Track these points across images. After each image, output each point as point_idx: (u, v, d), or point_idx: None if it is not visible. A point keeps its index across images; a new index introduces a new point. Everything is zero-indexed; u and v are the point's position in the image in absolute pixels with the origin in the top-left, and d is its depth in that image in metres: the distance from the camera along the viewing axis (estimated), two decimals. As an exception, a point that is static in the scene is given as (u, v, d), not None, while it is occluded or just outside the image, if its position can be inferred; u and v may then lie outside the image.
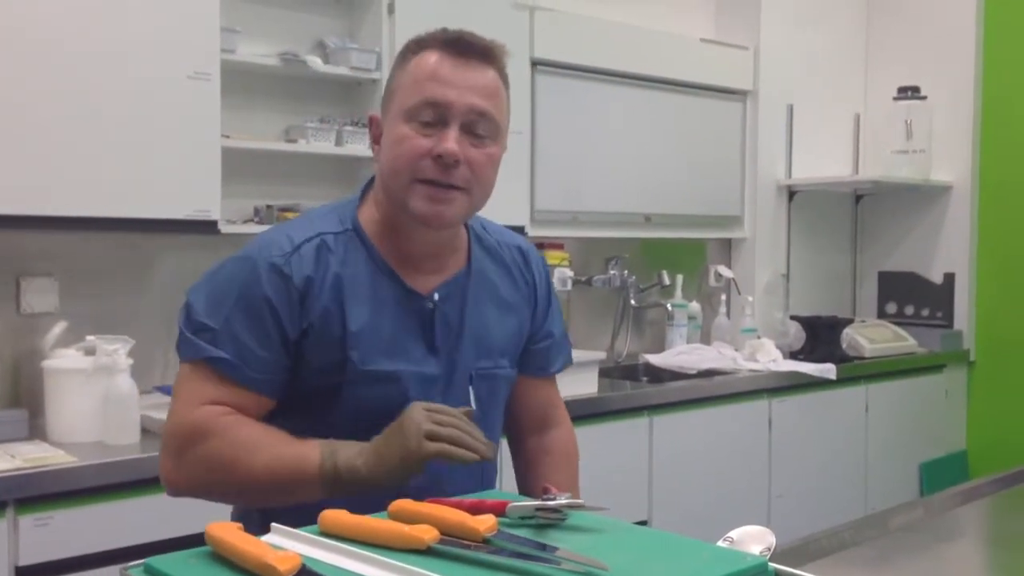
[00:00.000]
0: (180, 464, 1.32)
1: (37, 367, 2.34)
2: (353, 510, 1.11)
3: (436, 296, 1.41)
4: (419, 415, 1.24)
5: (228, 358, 1.31)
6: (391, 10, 2.86)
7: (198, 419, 1.31)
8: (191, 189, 2.44)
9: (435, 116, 1.33)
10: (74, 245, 2.55)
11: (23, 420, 2.31)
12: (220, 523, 1.05)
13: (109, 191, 2.33)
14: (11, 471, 1.98)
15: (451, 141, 1.32)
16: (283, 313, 1.33)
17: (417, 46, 1.39)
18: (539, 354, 1.58)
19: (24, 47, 2.21)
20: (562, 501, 1.14)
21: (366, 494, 1.23)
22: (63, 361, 2.32)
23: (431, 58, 1.36)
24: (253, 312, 1.32)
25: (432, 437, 1.22)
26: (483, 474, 1.46)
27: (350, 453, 1.26)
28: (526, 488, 1.59)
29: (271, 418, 1.38)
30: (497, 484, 1.60)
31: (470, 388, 1.44)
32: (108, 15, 2.32)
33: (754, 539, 1.09)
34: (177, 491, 1.35)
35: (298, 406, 1.37)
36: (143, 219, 2.38)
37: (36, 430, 2.30)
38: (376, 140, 1.42)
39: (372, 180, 1.46)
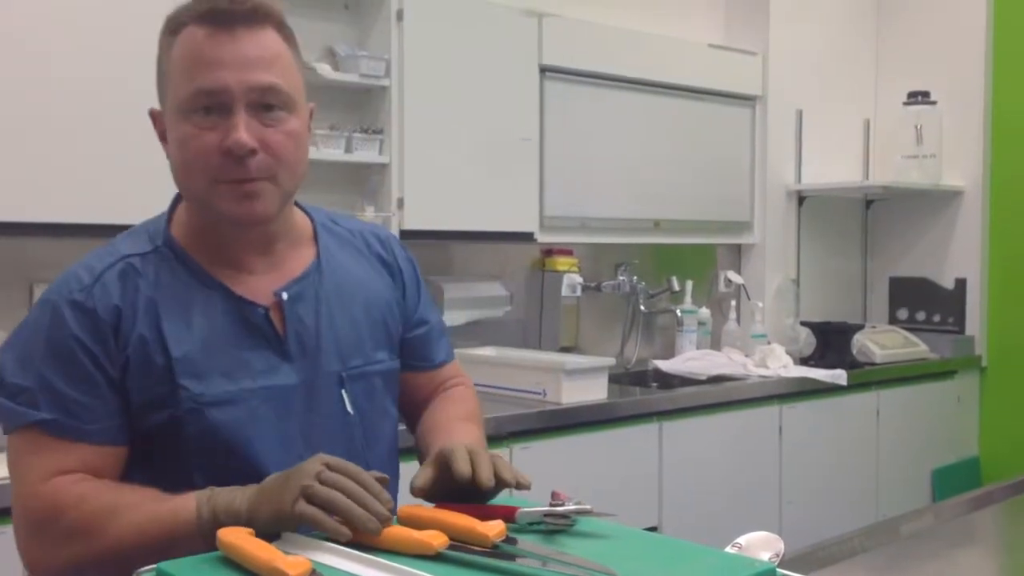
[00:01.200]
0: (37, 550, 1.19)
1: (49, 374, 2.35)
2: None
3: (284, 295, 1.27)
4: (310, 467, 1.08)
5: (55, 418, 1.17)
6: (400, 17, 2.87)
7: (46, 497, 1.17)
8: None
9: (214, 104, 1.18)
10: (86, 252, 2.56)
11: (35, 426, 2.32)
12: (232, 528, 1.06)
13: (121, 198, 2.34)
14: (23, 477, 1.99)
15: (239, 131, 1.17)
16: (97, 351, 1.19)
17: (175, 23, 1.22)
18: (417, 343, 1.46)
19: (33, 58, 2.23)
20: (571, 507, 1.14)
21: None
22: (75, 368, 2.33)
23: (193, 36, 1.20)
24: (65, 358, 1.18)
25: (310, 498, 1.06)
26: None
27: (230, 496, 1.12)
28: (424, 440, 1.41)
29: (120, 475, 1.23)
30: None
31: (343, 392, 1.31)
32: (116, 22, 2.33)
33: (762, 545, 1.09)
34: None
35: (142, 455, 1.23)
36: (154, 226, 2.39)
37: (48, 436, 2.31)
38: (163, 138, 1.26)
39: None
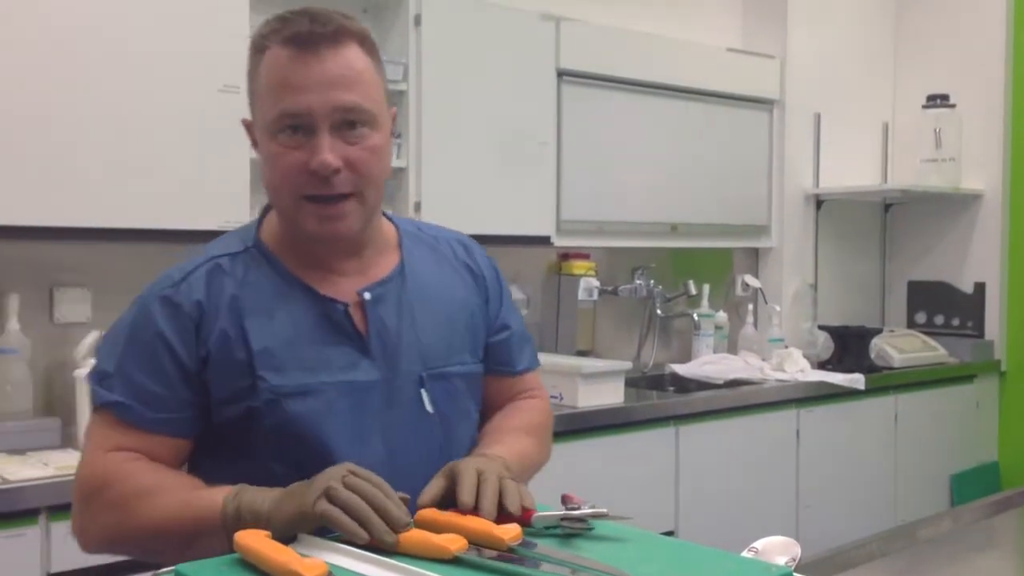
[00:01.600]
0: (83, 518, 1.25)
1: (70, 376, 2.37)
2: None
3: (367, 295, 1.31)
4: (334, 471, 1.11)
5: (123, 401, 1.24)
6: (418, 22, 2.88)
7: (99, 467, 1.24)
8: (221, 200, 2.46)
9: (299, 124, 1.22)
10: (106, 256, 2.59)
11: (56, 428, 2.35)
12: (249, 531, 1.07)
13: (141, 203, 2.36)
14: (44, 479, 2.01)
15: (324, 152, 1.21)
16: (178, 346, 1.25)
17: (260, 43, 1.26)
18: (499, 348, 1.47)
19: (55, 64, 2.25)
20: (587, 511, 1.14)
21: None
22: (95, 370, 2.34)
23: (278, 58, 1.23)
24: (146, 350, 1.25)
25: (332, 499, 1.07)
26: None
27: (254, 496, 1.15)
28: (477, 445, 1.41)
29: (196, 464, 1.30)
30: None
31: (422, 392, 1.33)
32: (139, 31, 2.35)
33: (779, 550, 1.09)
34: (85, 547, 1.27)
35: (219, 445, 1.29)
36: (174, 230, 2.41)
37: (68, 438, 2.34)
38: (256, 146, 1.31)
39: None
